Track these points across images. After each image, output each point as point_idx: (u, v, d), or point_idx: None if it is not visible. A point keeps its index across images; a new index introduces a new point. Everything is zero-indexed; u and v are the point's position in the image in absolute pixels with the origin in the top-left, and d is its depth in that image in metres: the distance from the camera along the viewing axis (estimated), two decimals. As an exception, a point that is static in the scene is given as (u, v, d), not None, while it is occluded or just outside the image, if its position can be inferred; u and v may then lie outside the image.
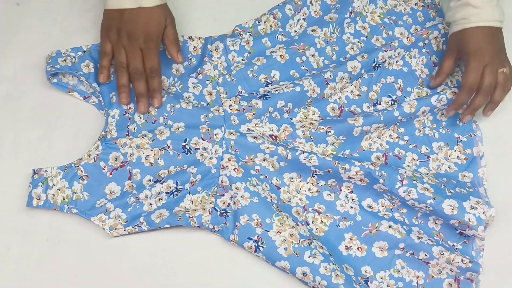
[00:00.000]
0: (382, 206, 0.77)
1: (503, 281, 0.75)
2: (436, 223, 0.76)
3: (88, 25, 0.87)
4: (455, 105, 0.80)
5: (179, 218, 0.73)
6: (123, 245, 0.75)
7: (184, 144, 0.78)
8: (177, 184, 0.76)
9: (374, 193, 0.77)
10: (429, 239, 0.74)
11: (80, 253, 0.74)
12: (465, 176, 0.80)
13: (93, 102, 0.82)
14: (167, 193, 0.76)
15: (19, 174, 0.77)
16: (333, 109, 0.81)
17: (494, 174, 0.80)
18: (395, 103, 0.83)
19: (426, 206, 0.73)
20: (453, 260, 0.72)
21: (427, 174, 0.79)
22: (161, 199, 0.75)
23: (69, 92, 0.82)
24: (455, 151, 0.81)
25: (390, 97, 0.83)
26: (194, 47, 0.84)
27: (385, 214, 0.76)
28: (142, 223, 0.74)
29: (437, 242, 0.74)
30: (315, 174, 0.77)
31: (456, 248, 0.75)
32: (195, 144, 0.78)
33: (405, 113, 0.80)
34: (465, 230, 0.74)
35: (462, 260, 0.72)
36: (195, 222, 0.73)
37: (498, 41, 0.79)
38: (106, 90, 0.80)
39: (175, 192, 0.76)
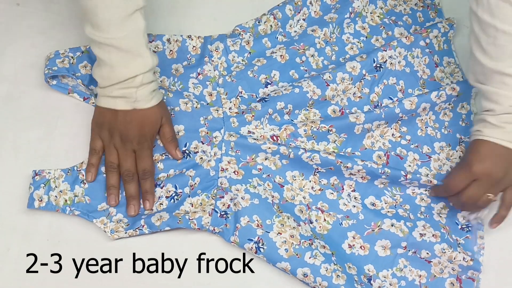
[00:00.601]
0: (385, 203, 0.77)
1: (503, 281, 0.76)
2: (441, 216, 0.76)
3: (88, 25, 0.87)
4: (433, 192, 0.77)
5: (179, 221, 0.73)
6: (123, 245, 0.75)
7: (184, 149, 0.78)
8: (176, 188, 0.76)
9: (376, 190, 0.77)
10: (433, 235, 0.74)
11: (80, 253, 0.74)
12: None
13: (93, 103, 0.82)
14: (167, 197, 0.75)
15: (19, 174, 0.77)
16: (334, 111, 0.81)
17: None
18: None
19: (426, 190, 0.75)
20: (454, 258, 0.73)
21: (427, 175, 0.79)
22: (162, 204, 0.75)
23: (68, 94, 0.82)
24: (456, 151, 0.81)
25: (391, 99, 0.83)
26: (193, 46, 0.84)
27: (388, 211, 0.76)
28: (143, 225, 0.74)
29: (442, 235, 0.74)
30: (317, 172, 0.77)
31: (459, 243, 0.75)
32: (194, 148, 0.78)
33: (405, 110, 0.80)
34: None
35: (463, 258, 0.73)
36: (195, 224, 0.73)
37: (504, 163, 0.71)
38: None
39: (175, 197, 0.75)
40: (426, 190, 0.74)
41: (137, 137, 0.73)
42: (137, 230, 0.74)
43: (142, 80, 0.70)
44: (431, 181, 0.74)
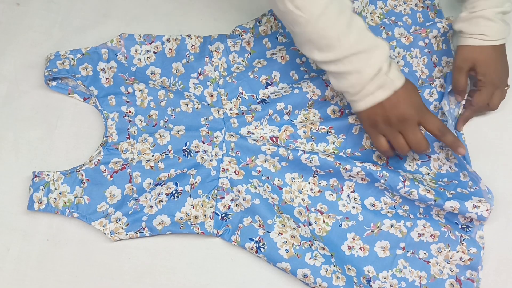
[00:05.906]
0: (384, 204, 0.77)
1: (503, 281, 0.76)
2: (439, 217, 0.76)
3: (88, 25, 0.87)
4: (463, 121, 0.83)
5: (181, 226, 0.74)
6: (123, 245, 0.75)
7: (184, 147, 0.78)
8: (177, 185, 0.76)
9: (376, 191, 0.77)
10: (431, 236, 0.74)
11: (80, 253, 0.74)
12: (465, 175, 0.80)
13: (93, 103, 0.82)
14: (167, 194, 0.76)
15: (19, 174, 0.77)
16: (333, 111, 0.81)
17: (494, 174, 0.80)
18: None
19: (427, 204, 0.74)
20: (451, 258, 0.73)
21: (428, 174, 0.79)
22: (161, 201, 0.75)
23: (68, 94, 0.82)
24: None
25: None
26: (192, 45, 0.84)
27: (388, 212, 0.76)
28: (144, 228, 0.74)
29: (442, 234, 0.74)
30: (317, 174, 0.77)
31: (464, 239, 0.75)
32: (195, 147, 0.78)
33: None
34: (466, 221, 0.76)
35: (460, 258, 0.73)
36: (198, 229, 0.74)
37: (505, 58, 0.81)
38: (103, 93, 0.80)
39: (175, 194, 0.76)
40: (427, 204, 0.74)
41: (412, 109, 0.72)
42: (138, 232, 0.74)
43: (387, 64, 0.70)
44: (429, 191, 0.73)
